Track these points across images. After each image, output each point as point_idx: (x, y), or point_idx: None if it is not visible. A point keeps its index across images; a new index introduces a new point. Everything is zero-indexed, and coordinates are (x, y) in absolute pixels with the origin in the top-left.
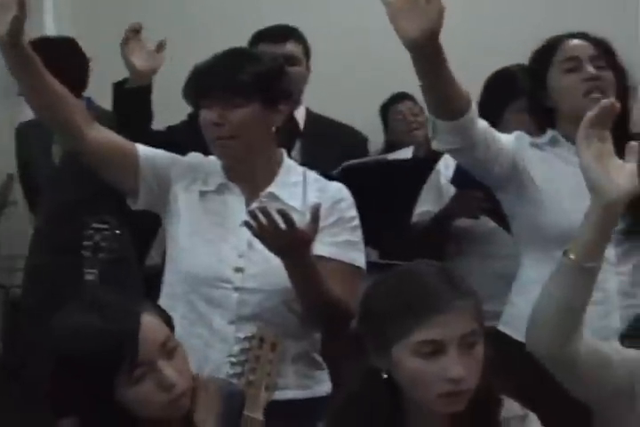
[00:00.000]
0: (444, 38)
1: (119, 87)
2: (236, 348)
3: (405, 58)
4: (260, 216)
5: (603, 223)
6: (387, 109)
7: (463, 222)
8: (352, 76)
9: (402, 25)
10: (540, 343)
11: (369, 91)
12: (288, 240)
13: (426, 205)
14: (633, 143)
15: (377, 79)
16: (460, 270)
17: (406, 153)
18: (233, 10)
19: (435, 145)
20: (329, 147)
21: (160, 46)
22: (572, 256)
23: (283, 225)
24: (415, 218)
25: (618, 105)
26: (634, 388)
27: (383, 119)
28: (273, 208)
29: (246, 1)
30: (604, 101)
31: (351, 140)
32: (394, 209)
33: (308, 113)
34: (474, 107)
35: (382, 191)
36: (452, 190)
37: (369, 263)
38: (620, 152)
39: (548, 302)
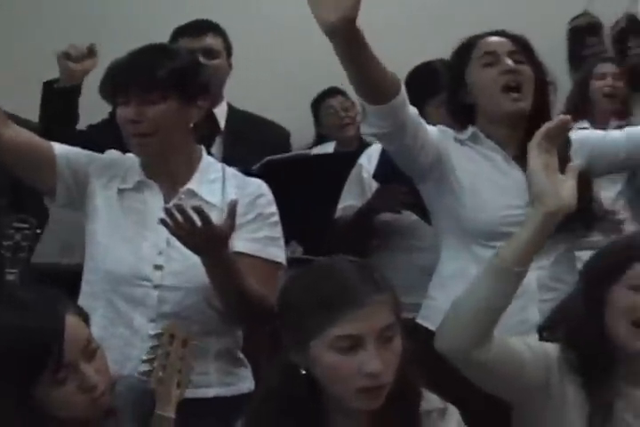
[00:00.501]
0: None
1: (49, 86)
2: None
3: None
4: (176, 214)
5: (539, 231)
6: (318, 104)
7: (385, 216)
8: (283, 72)
9: (320, 12)
10: (451, 342)
11: (301, 85)
12: (204, 237)
13: (349, 200)
14: (574, 163)
15: (309, 74)
16: (383, 264)
17: (328, 148)
18: (155, 9)
19: (364, 129)
20: (250, 142)
21: (91, 51)
22: (502, 259)
23: (198, 222)
24: (339, 212)
25: (571, 123)
26: (549, 381)
27: (314, 114)
28: (189, 205)
29: None
30: (563, 117)
31: (273, 135)
32: (317, 204)
33: (230, 108)
34: (403, 91)
35: (305, 186)
36: (374, 184)
37: (294, 259)
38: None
39: (469, 301)
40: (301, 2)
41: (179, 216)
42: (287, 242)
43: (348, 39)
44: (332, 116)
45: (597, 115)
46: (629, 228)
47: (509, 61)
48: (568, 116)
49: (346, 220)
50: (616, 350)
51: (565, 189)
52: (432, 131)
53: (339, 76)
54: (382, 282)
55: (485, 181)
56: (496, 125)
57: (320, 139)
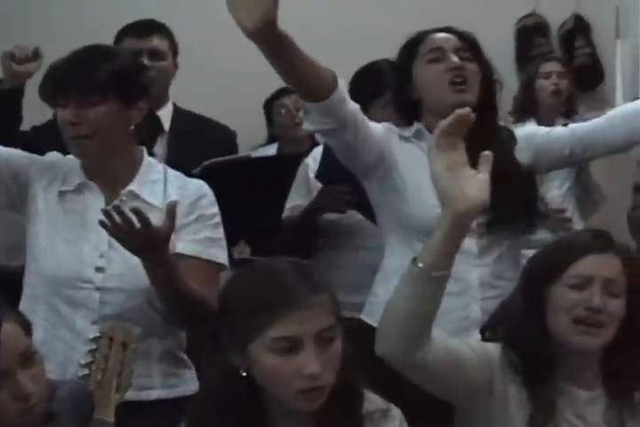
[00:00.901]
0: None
1: None
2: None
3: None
4: (114, 215)
5: (451, 234)
6: (271, 104)
7: (330, 216)
8: (237, 71)
9: (239, 16)
10: (388, 347)
11: (252, 85)
12: (143, 239)
13: (296, 200)
14: (486, 153)
15: (260, 74)
16: (328, 264)
17: (271, 150)
18: (106, 8)
19: (306, 126)
20: (196, 143)
21: (36, 53)
22: (420, 264)
23: (137, 224)
24: (286, 213)
25: (472, 115)
26: (491, 381)
27: (267, 114)
28: (127, 207)
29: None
30: (460, 111)
31: (219, 135)
32: (264, 205)
33: (176, 109)
34: (341, 87)
35: (249, 188)
36: (320, 184)
37: (243, 260)
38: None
39: (395, 306)
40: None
41: (117, 217)
42: (235, 243)
43: (270, 42)
44: (284, 115)
45: (543, 113)
46: (578, 226)
47: (455, 58)
48: (468, 109)
49: (292, 220)
50: (557, 349)
51: (476, 186)
52: (376, 128)
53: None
54: (321, 283)
55: (427, 177)
56: (440, 119)
57: (273, 139)
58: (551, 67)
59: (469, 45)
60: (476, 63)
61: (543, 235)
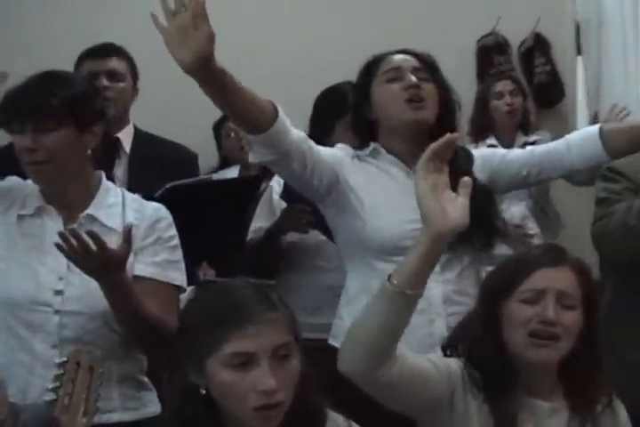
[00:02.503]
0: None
1: None
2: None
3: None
4: (70, 238)
5: (429, 253)
6: (219, 127)
7: (292, 237)
8: (190, 93)
9: (176, 52)
10: (352, 364)
11: (207, 107)
12: (100, 261)
13: (259, 222)
14: (466, 178)
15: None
16: (291, 285)
17: (233, 172)
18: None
19: (251, 158)
20: (156, 165)
21: (2, 76)
22: (394, 282)
23: (93, 246)
24: (250, 235)
25: (460, 139)
26: (453, 396)
27: (216, 137)
28: (84, 230)
29: (79, 20)
30: (449, 135)
31: (180, 157)
32: (226, 227)
33: (137, 131)
34: (281, 118)
35: (210, 210)
36: (283, 205)
37: (206, 281)
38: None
39: (364, 324)
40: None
41: (73, 240)
42: (199, 264)
43: (207, 76)
44: (231, 139)
45: (501, 131)
46: (539, 242)
47: (413, 77)
48: (455, 135)
49: (255, 242)
50: (515, 363)
51: (456, 208)
52: (326, 152)
53: None
54: (278, 301)
55: (385, 196)
56: (398, 139)
57: (224, 162)
58: (503, 86)
59: (427, 66)
60: (434, 84)
61: (505, 251)
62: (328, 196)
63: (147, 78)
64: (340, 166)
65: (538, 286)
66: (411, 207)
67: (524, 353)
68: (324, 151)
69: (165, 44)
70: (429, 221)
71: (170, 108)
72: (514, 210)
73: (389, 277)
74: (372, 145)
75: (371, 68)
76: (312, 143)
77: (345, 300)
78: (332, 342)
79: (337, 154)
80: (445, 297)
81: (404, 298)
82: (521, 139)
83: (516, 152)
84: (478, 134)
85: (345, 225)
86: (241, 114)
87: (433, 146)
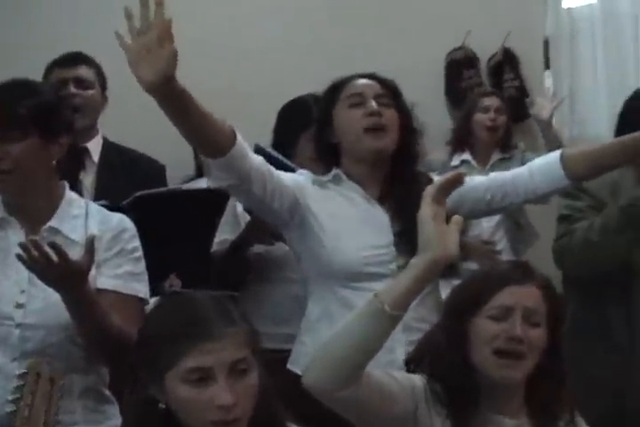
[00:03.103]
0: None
1: None
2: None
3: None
4: (31, 249)
5: (421, 277)
6: None
7: (258, 248)
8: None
9: (139, 70)
10: (320, 381)
11: None
12: (62, 273)
13: (224, 234)
14: (457, 216)
15: None
16: (257, 296)
17: (202, 183)
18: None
19: (209, 183)
20: (124, 175)
21: None
22: (380, 301)
23: (55, 257)
24: (215, 247)
25: (465, 178)
26: (416, 413)
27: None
28: (46, 242)
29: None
30: (458, 171)
31: (147, 168)
32: (193, 239)
33: (105, 142)
34: (239, 142)
35: (178, 221)
36: (248, 218)
37: (172, 293)
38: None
39: (341, 341)
40: (181, 34)
41: (34, 251)
42: (165, 276)
43: (168, 95)
44: None
45: (479, 147)
46: (507, 258)
47: (374, 104)
48: (464, 172)
49: (220, 254)
50: (480, 379)
51: (449, 240)
52: (286, 176)
53: (221, 109)
54: (237, 316)
55: (346, 222)
56: (359, 165)
57: (200, 171)
58: (490, 101)
59: (390, 92)
60: (396, 110)
61: (472, 266)
62: (291, 220)
63: (119, 88)
64: (302, 191)
65: (506, 303)
66: (371, 234)
67: (488, 371)
68: (284, 175)
69: (129, 63)
70: (429, 247)
71: (143, 116)
72: (484, 225)
73: (375, 295)
74: (334, 171)
75: (334, 92)
76: (271, 167)
77: (306, 326)
78: (291, 367)
79: (298, 179)
80: (405, 325)
81: (388, 318)
82: (497, 155)
83: (478, 178)
84: (457, 146)
85: (307, 250)
86: (200, 136)
87: (442, 179)
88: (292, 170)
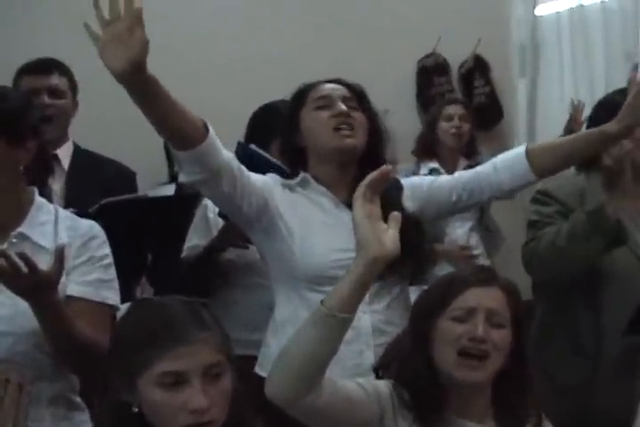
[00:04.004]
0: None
1: None
2: None
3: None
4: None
5: (362, 278)
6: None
7: (230, 254)
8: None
9: (109, 58)
10: (280, 390)
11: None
12: (31, 282)
13: (194, 240)
14: (395, 213)
15: None
16: (228, 302)
17: (169, 190)
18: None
19: (180, 178)
20: (94, 181)
21: None
22: (326, 306)
23: (24, 268)
24: (185, 252)
25: (393, 172)
26: (382, 419)
27: (167, 154)
28: (14, 250)
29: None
30: (384, 167)
31: (117, 174)
32: (161, 244)
33: (76, 148)
34: (211, 136)
35: (146, 227)
36: (221, 224)
37: (141, 300)
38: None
39: (295, 348)
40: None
41: (2, 261)
42: (135, 282)
43: (138, 84)
44: None
45: (445, 154)
46: (483, 262)
47: (342, 105)
48: (389, 167)
49: (191, 259)
50: (445, 383)
51: (388, 238)
52: (257, 178)
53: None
54: (210, 320)
55: (314, 225)
56: (326, 166)
57: (173, 179)
58: (454, 109)
59: (357, 96)
60: (363, 113)
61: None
62: (258, 222)
63: (90, 93)
64: (271, 194)
65: (468, 304)
66: (339, 237)
67: (452, 372)
68: (254, 176)
69: (98, 52)
70: (365, 247)
71: (117, 123)
72: (459, 232)
73: (322, 302)
74: (302, 175)
75: (300, 96)
76: (242, 166)
77: (273, 328)
78: (258, 371)
79: (267, 181)
80: (374, 327)
81: (335, 321)
82: (463, 162)
83: (442, 179)
84: (423, 155)
85: (274, 253)
86: (171, 126)
87: (369, 177)
88: (279, 167)
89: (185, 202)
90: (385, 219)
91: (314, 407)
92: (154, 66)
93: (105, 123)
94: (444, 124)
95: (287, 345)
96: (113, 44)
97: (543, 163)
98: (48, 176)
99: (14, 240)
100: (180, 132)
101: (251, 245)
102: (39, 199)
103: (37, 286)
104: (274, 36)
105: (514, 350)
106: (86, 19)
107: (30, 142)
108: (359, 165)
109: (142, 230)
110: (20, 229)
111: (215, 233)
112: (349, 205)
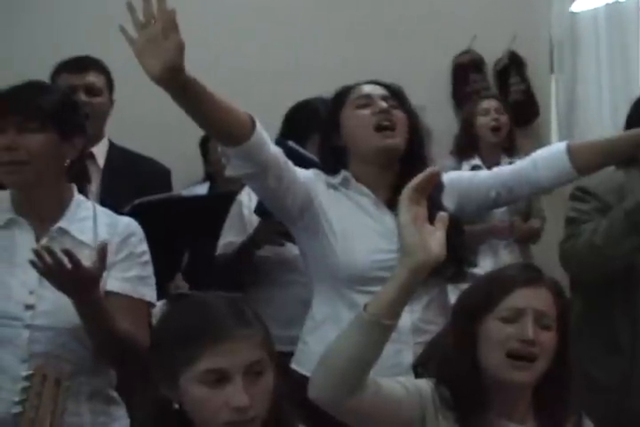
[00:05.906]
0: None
1: None
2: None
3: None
4: (45, 255)
5: (407, 284)
6: (207, 142)
7: (266, 251)
8: (174, 108)
9: (146, 62)
10: (324, 392)
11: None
12: (74, 279)
13: (229, 237)
14: (442, 213)
15: None
16: (264, 299)
17: (202, 189)
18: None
19: (227, 171)
20: (129, 180)
21: None
22: (370, 312)
23: (68, 264)
24: (220, 249)
25: (441, 174)
26: (424, 418)
27: (202, 152)
28: (58, 246)
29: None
30: (432, 169)
31: (152, 172)
32: (196, 243)
33: (111, 145)
34: (258, 131)
35: (179, 226)
36: (255, 221)
37: (179, 295)
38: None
39: (339, 352)
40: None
41: (47, 258)
42: (169, 279)
43: (178, 87)
44: (217, 154)
45: (486, 151)
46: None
47: (383, 103)
48: (437, 169)
49: (226, 256)
50: (488, 383)
51: (434, 241)
52: (303, 174)
53: None
54: (252, 317)
55: (356, 225)
56: (368, 167)
57: (208, 177)
58: (488, 104)
59: (396, 95)
60: (403, 112)
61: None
62: (300, 219)
63: (126, 91)
64: (315, 190)
65: (518, 305)
66: (380, 238)
67: (500, 374)
68: (299, 171)
69: (135, 56)
70: (411, 254)
71: (154, 122)
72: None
73: (365, 306)
74: (343, 174)
75: (340, 97)
76: (289, 161)
77: (311, 325)
78: (295, 366)
79: (312, 177)
80: (414, 326)
81: (380, 328)
82: (505, 160)
83: (482, 174)
84: (462, 154)
85: (315, 251)
86: (217, 125)
87: (416, 179)
88: (317, 164)
89: (218, 200)
90: (431, 221)
91: (357, 408)
92: (194, 66)
93: (140, 120)
94: (481, 119)
95: (331, 348)
96: (148, 47)
97: (585, 160)
98: (87, 174)
99: (54, 235)
100: (226, 130)
101: (287, 243)
102: (78, 196)
103: (80, 283)
104: (306, 36)
105: (558, 350)
106: (122, 18)
107: (78, 139)
108: (400, 165)
109: (176, 230)
110: (60, 224)
111: (250, 230)
112: (390, 206)
